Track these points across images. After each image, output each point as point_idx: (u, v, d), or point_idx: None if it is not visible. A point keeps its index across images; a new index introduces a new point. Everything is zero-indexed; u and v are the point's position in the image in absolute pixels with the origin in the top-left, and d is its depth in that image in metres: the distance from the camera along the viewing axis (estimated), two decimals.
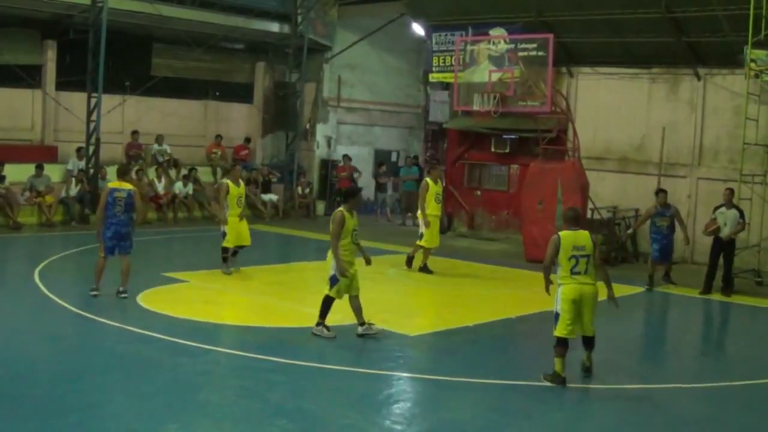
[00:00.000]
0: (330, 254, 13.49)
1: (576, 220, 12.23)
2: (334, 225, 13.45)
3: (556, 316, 11.88)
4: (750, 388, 12.34)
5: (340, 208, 13.71)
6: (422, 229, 20.23)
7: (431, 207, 20.37)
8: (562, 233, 12.04)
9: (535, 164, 23.77)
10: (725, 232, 19.33)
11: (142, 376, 11.09)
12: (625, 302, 18.52)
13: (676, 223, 20.12)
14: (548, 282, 12.14)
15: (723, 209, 19.54)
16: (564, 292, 11.83)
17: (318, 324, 13.68)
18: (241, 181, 19.33)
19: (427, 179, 20.67)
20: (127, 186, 15.80)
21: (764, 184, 22.17)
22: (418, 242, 20.39)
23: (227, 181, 19.08)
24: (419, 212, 20.45)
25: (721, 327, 18.48)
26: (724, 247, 19.45)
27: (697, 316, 18.68)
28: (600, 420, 10.55)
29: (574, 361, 12.10)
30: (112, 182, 16.12)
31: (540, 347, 14.64)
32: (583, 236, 11.92)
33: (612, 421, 10.48)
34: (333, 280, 13.51)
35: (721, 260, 19.58)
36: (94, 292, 15.54)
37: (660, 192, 20.74)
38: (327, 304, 13.67)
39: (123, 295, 15.50)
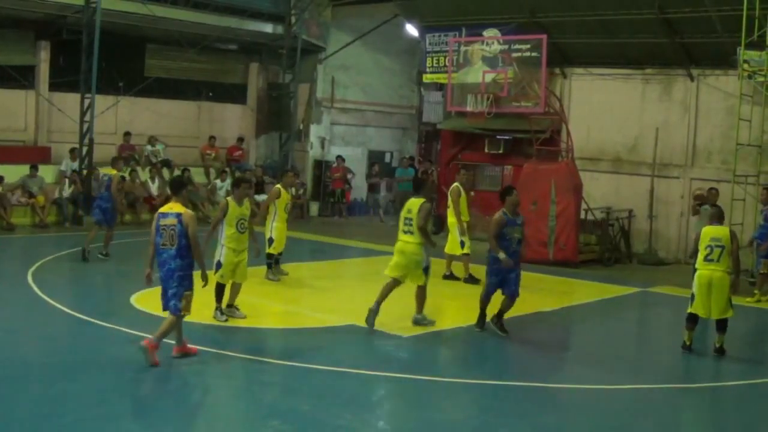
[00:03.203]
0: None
1: (717, 217, 14.34)
2: (220, 211, 14.40)
3: (692, 296, 13.93)
4: (743, 389, 12.38)
5: (230, 197, 14.66)
6: (461, 236, 19.52)
7: (466, 213, 19.77)
8: (704, 228, 14.25)
9: (529, 165, 23.77)
10: None
11: (136, 377, 11.08)
12: (618, 302, 18.62)
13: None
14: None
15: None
16: (697, 276, 13.85)
17: (217, 308, 14.39)
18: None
19: (458, 184, 19.84)
20: (112, 172, 20.39)
21: (757, 185, 22.21)
22: (461, 251, 19.59)
23: (279, 186, 18.75)
24: (453, 220, 19.65)
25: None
26: None
27: None
28: (593, 421, 10.54)
29: (569, 361, 12.12)
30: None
31: (534, 348, 14.68)
32: (722, 230, 13.94)
33: (605, 422, 10.48)
34: (217, 266, 14.31)
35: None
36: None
37: (507, 189, 15.00)
38: (218, 290, 14.38)
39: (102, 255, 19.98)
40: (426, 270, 14.65)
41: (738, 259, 13.97)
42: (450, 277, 19.71)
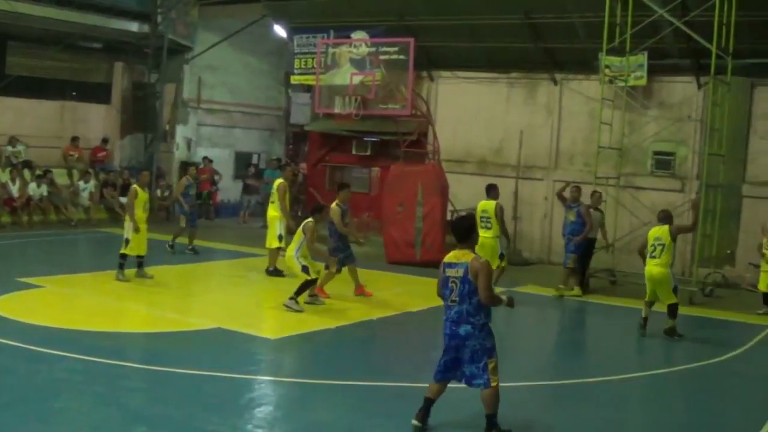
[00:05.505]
0: (291, 255, 16.34)
1: (664, 219, 16.04)
2: (310, 233, 16.20)
3: None
4: (606, 385, 12.70)
5: (310, 219, 16.50)
6: (280, 230, 19.95)
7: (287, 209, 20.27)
8: (651, 229, 16.09)
9: (396, 167, 23.95)
10: (592, 233, 20.18)
11: None
12: None
13: None
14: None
15: (591, 211, 20.17)
16: (645, 271, 15.89)
17: (291, 299, 16.12)
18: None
19: (284, 181, 20.43)
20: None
21: (617, 186, 22.81)
22: (278, 245, 19.91)
23: (136, 186, 18.54)
24: (275, 214, 20.05)
25: (578, 325, 18.90)
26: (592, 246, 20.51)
27: (554, 315, 19.06)
28: (460, 419, 10.62)
29: (437, 361, 12.21)
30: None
31: (402, 348, 14.80)
32: (664, 230, 15.74)
33: (471, 420, 10.56)
34: (305, 269, 16.17)
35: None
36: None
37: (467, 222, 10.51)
38: (306, 285, 16.35)
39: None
40: (501, 256, 18.72)
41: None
42: (274, 272, 20.10)
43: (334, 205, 17.63)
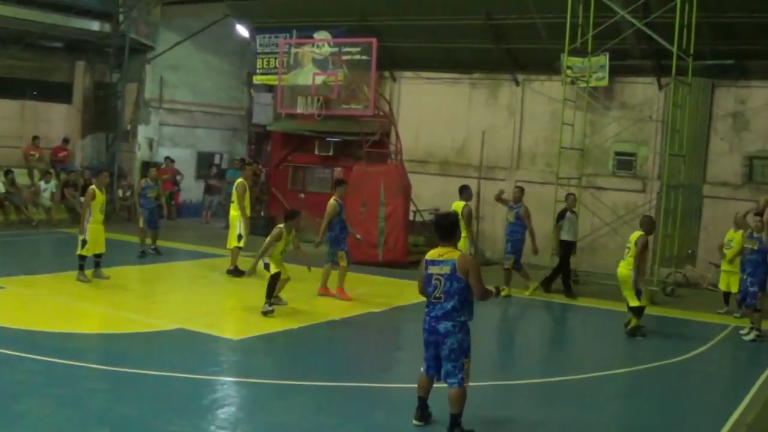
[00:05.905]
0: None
1: (641, 224, 16.20)
2: (270, 238, 15.84)
3: None
4: (565, 384, 12.76)
5: (281, 225, 16.15)
6: (240, 230, 20.03)
7: (248, 208, 20.40)
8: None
9: (359, 167, 23.94)
10: (571, 236, 20.22)
11: None
12: None
13: None
14: None
15: (569, 213, 20.19)
16: None
17: (266, 303, 15.84)
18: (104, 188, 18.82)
19: (243, 180, 20.52)
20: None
21: (579, 187, 22.92)
22: (237, 244, 20.05)
23: (94, 187, 18.40)
24: (236, 214, 20.13)
25: (538, 325, 18.95)
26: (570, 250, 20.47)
27: (515, 314, 19.11)
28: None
29: (400, 361, 12.19)
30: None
31: (365, 348, 14.78)
32: (635, 235, 15.99)
33: (442, 417, 10.59)
34: (266, 266, 16.00)
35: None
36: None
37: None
38: (272, 285, 15.93)
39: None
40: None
41: (639, 258, 15.73)
42: (235, 272, 19.96)
43: (332, 200, 17.92)
